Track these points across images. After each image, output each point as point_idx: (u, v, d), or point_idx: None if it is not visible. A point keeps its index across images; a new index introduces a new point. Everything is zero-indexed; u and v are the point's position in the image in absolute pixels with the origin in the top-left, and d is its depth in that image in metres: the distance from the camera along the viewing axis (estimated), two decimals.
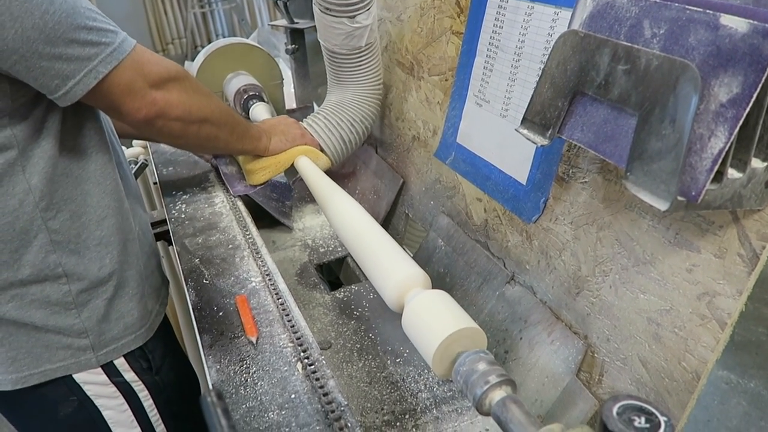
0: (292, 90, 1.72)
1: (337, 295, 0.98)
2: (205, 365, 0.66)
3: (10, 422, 0.87)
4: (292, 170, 1.05)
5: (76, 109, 0.72)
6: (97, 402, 0.83)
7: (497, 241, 0.86)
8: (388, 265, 0.69)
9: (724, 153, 0.43)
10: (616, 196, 0.65)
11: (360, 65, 1.05)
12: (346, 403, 0.59)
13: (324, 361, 0.64)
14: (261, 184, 1.06)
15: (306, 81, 1.47)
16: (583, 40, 0.53)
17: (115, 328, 0.81)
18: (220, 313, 0.74)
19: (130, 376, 0.84)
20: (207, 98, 0.85)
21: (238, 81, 1.34)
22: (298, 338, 0.68)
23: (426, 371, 0.81)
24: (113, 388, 0.83)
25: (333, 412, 0.58)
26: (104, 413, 0.83)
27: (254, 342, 0.68)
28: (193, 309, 0.75)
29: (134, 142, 1.53)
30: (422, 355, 0.60)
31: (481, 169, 0.89)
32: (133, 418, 0.86)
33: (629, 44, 0.49)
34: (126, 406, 0.85)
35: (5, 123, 0.66)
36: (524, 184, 0.80)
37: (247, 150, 1.00)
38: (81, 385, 0.81)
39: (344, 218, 0.80)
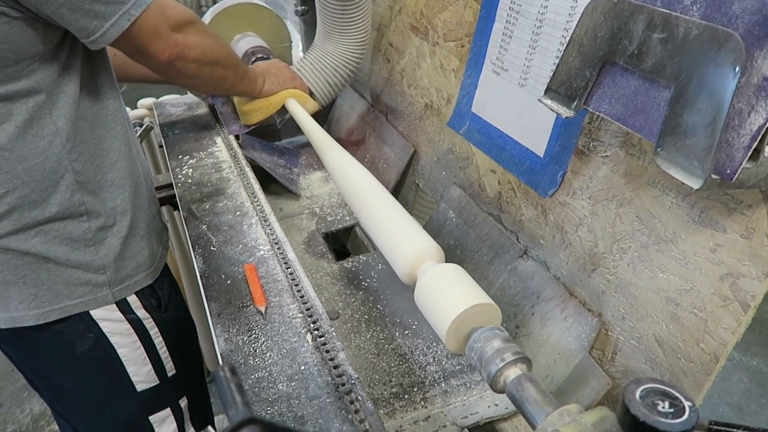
0: (300, 53, 1.68)
1: (345, 264, 0.97)
2: (213, 334, 0.65)
3: (26, 362, 0.92)
4: (281, 111, 1.12)
5: (92, 56, 0.78)
6: (113, 339, 0.88)
7: (510, 214, 0.84)
8: (400, 237, 0.68)
9: (764, 130, 0.41)
10: (638, 171, 0.63)
11: (345, 16, 1.07)
12: (356, 376, 0.58)
13: (334, 333, 0.63)
14: (254, 125, 1.14)
15: None
16: (615, 6, 0.50)
17: (129, 265, 0.86)
18: (228, 282, 0.73)
19: (141, 313, 0.90)
20: (217, 41, 0.91)
21: (246, 42, 1.30)
22: (307, 309, 0.67)
23: (435, 344, 0.81)
24: (127, 325, 0.89)
25: (344, 385, 0.57)
26: (119, 351, 0.89)
27: (263, 312, 0.67)
28: (201, 276, 0.74)
29: (139, 103, 1.51)
30: (435, 330, 0.59)
31: (496, 140, 0.86)
32: (145, 355, 0.92)
33: (667, 11, 0.46)
34: (138, 343, 0.91)
35: (35, 68, 0.70)
36: (541, 156, 0.78)
37: (246, 91, 1.06)
38: (97, 321, 0.85)
39: (349, 182, 0.79)
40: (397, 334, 0.83)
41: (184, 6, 0.85)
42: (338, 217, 1.10)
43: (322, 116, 1.42)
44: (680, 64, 0.45)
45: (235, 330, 0.65)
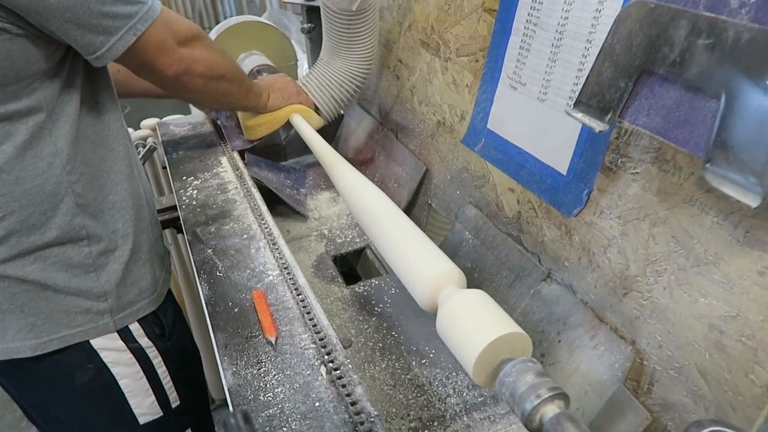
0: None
1: (357, 289, 0.93)
2: (220, 367, 0.60)
3: (24, 394, 0.88)
4: (286, 127, 1.09)
5: (94, 73, 0.76)
6: (114, 370, 0.83)
7: (531, 235, 0.80)
8: (419, 260, 0.64)
9: None
10: (673, 189, 0.59)
11: (351, 30, 1.04)
12: (376, 413, 0.53)
13: (350, 365, 0.59)
14: (258, 140, 1.11)
15: None
16: (653, 11, 0.47)
17: (131, 292, 0.83)
18: (236, 309, 0.69)
19: (144, 341, 0.86)
20: (223, 55, 0.89)
21: (251, 61, 1.28)
22: (321, 339, 0.63)
23: (454, 374, 0.76)
24: (129, 354, 0.84)
25: (362, 423, 0.52)
26: (120, 382, 0.84)
27: (273, 342, 0.63)
28: (206, 304, 0.70)
29: (142, 123, 1.48)
30: (461, 362, 0.55)
31: (515, 157, 0.82)
32: (148, 386, 0.88)
33: (712, 15, 0.42)
34: (141, 373, 0.87)
35: (37, 86, 0.68)
36: (564, 174, 0.74)
37: (251, 106, 1.03)
38: (98, 351, 0.81)
39: (361, 202, 0.75)
40: (413, 363, 0.78)
41: (190, 21, 0.83)
42: (348, 239, 1.06)
43: (329, 135, 1.39)
44: (731, 71, 0.41)
45: (243, 362, 0.61)
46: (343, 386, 0.56)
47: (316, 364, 0.60)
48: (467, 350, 0.53)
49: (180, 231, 1.21)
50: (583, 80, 0.70)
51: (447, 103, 0.98)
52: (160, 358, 0.88)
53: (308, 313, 0.67)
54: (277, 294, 0.71)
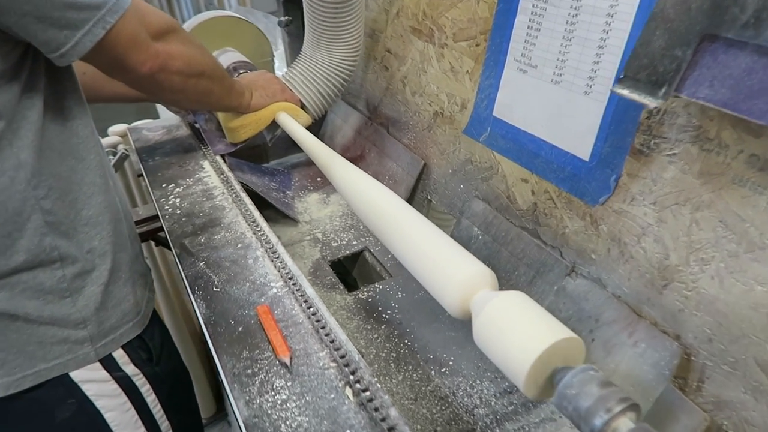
0: (280, 69, 1.58)
1: (360, 295, 0.86)
2: (230, 396, 0.53)
3: None
4: (271, 127, 1.02)
5: (58, 74, 0.67)
6: (98, 403, 0.75)
7: (550, 227, 0.75)
8: (445, 263, 0.58)
9: None
10: (719, 169, 0.54)
11: (337, 20, 0.97)
12: None
13: (379, 385, 0.52)
14: (242, 142, 1.03)
15: None
16: None
17: (113, 316, 0.75)
18: (240, 328, 0.62)
19: (130, 369, 0.78)
20: (201, 50, 0.82)
21: (226, 58, 1.19)
22: (342, 357, 0.56)
23: (479, 382, 0.70)
24: (114, 385, 0.76)
25: None
26: (106, 416, 0.76)
27: (288, 363, 0.56)
28: (205, 324, 0.63)
29: (110, 130, 1.38)
30: (508, 375, 0.49)
31: (527, 145, 0.77)
32: (137, 417, 0.80)
33: None
34: (129, 404, 0.78)
35: None
36: (587, 160, 0.69)
37: (233, 106, 0.95)
38: (79, 384, 0.73)
39: (370, 203, 0.68)
40: (432, 372, 0.72)
41: (164, 12, 0.75)
42: (344, 242, 0.99)
43: (313, 134, 1.31)
44: None
45: (256, 389, 0.54)
46: (376, 409, 0.50)
47: (340, 385, 0.53)
48: (516, 361, 0.47)
49: (159, 243, 1.12)
50: (604, 58, 0.66)
51: (445, 92, 0.92)
52: (148, 386, 0.80)
53: (323, 327, 0.60)
54: (284, 308, 0.64)
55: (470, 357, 0.74)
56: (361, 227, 1.01)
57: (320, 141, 0.83)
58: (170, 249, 1.32)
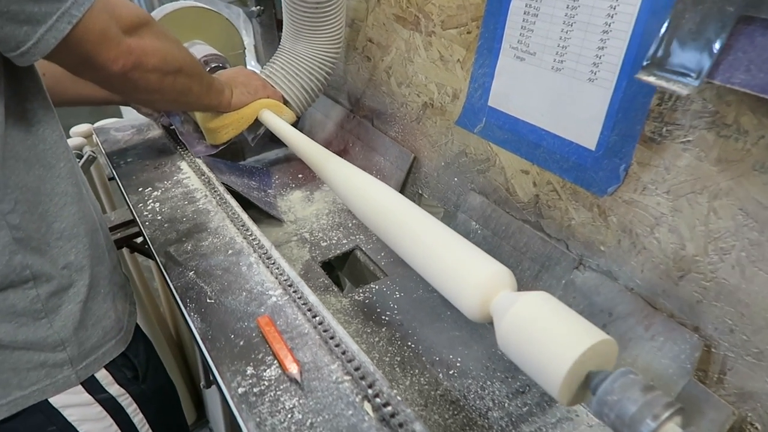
0: (253, 61, 1.52)
1: (356, 297, 0.82)
2: (238, 418, 0.49)
3: None
4: (254, 126, 0.96)
5: (18, 75, 0.60)
6: (81, 428, 0.70)
7: (555, 219, 0.73)
8: (460, 264, 0.55)
9: None
10: (737, 155, 0.52)
11: (318, 11, 0.93)
12: None
13: (399, 398, 0.49)
14: (224, 144, 0.97)
15: (274, 49, 1.27)
16: None
17: (94, 334, 0.70)
18: (241, 343, 0.57)
19: (115, 389, 0.73)
20: (177, 45, 0.76)
21: (196, 51, 1.13)
22: (356, 369, 0.52)
23: (489, 383, 0.68)
24: (98, 408, 0.71)
25: None
26: None
27: (298, 379, 0.52)
28: (201, 339, 0.58)
29: (72, 131, 1.30)
30: (539, 382, 0.46)
31: (527, 135, 0.74)
32: None
33: None
34: (114, 426, 0.73)
35: None
36: (593, 149, 0.66)
37: (212, 105, 0.89)
38: (60, 410, 0.68)
39: (372, 202, 0.65)
40: (440, 375, 0.69)
41: (135, 4, 0.69)
42: (333, 242, 0.95)
43: None
44: None
45: (266, 410, 0.50)
46: (401, 425, 0.47)
47: (357, 400, 0.50)
48: (550, 368, 0.44)
49: (135, 250, 1.06)
50: (610, 44, 0.64)
51: (434, 82, 0.89)
52: (135, 405, 0.75)
53: (332, 338, 0.56)
54: (287, 318, 0.60)
55: (478, 357, 0.71)
56: (350, 225, 0.97)
57: (310, 139, 0.79)
58: (150, 257, 1.26)
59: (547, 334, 0.46)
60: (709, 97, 0.54)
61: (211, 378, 1.33)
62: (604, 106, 0.64)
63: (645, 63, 0.46)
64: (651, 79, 0.45)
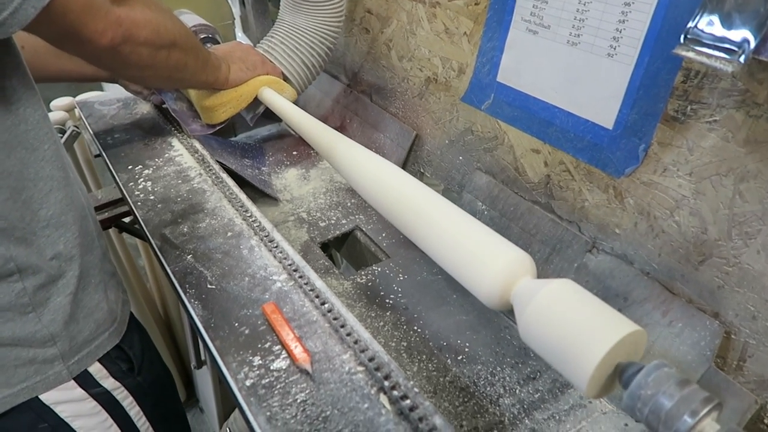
0: (240, 32, 1.46)
1: (359, 279, 0.80)
2: (248, 412, 0.47)
3: None
4: (252, 104, 0.91)
5: None
6: (75, 424, 0.67)
7: (567, 201, 0.70)
8: (478, 249, 0.52)
9: None
10: (767, 137, 0.50)
11: None
12: None
13: (416, 389, 0.47)
14: (221, 123, 0.92)
15: (266, 19, 1.22)
16: None
17: (86, 327, 0.66)
18: (246, 331, 0.55)
19: (109, 383, 0.69)
20: (170, 16, 0.70)
21: (184, 21, 1.07)
22: (370, 359, 0.50)
23: (499, 369, 0.66)
24: (92, 403, 0.68)
25: None
26: None
27: (309, 370, 0.49)
28: (204, 328, 0.55)
29: (53, 104, 1.24)
30: (566, 375, 0.44)
31: (538, 112, 0.72)
32: None
33: None
34: (110, 421, 0.70)
35: None
36: (610, 128, 0.64)
37: (208, 81, 0.83)
38: (52, 407, 0.64)
39: (385, 186, 0.62)
40: (449, 362, 0.67)
41: None
42: (332, 222, 0.92)
43: None
44: None
45: (277, 402, 0.47)
46: (420, 419, 0.44)
47: (373, 392, 0.48)
48: (579, 360, 0.42)
49: (123, 230, 1.02)
50: (631, 17, 0.61)
51: (438, 56, 0.85)
52: (131, 398, 0.72)
53: (343, 326, 0.53)
54: (294, 305, 0.57)
55: (486, 342, 0.70)
56: (349, 204, 0.94)
57: (315, 119, 0.75)
58: (141, 238, 1.21)
59: (576, 325, 0.43)
60: (739, 75, 0.51)
61: (203, 359, 1.31)
62: (623, 82, 0.62)
63: (684, 37, 0.43)
64: (690, 54, 0.43)
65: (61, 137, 1.12)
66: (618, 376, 0.43)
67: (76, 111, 1.06)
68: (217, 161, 0.87)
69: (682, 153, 0.57)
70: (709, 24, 0.42)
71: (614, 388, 0.44)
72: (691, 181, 0.57)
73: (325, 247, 0.90)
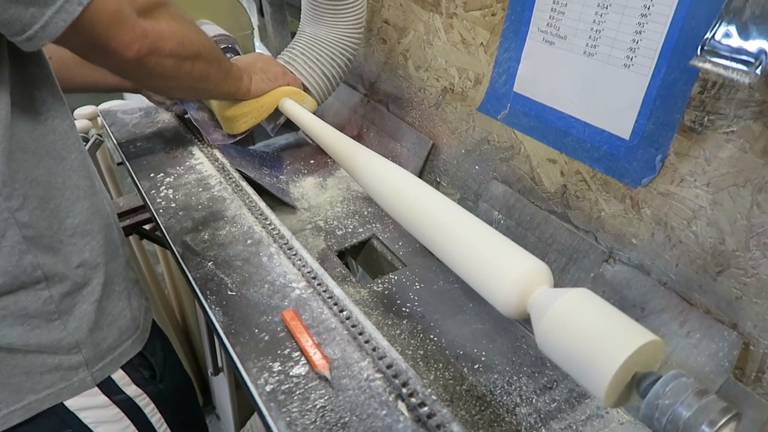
0: (258, 42, 1.48)
1: (375, 287, 0.80)
2: (268, 419, 0.47)
3: None
4: (273, 115, 0.92)
5: (24, 61, 0.56)
6: (98, 430, 0.68)
7: (583, 210, 0.70)
8: (496, 258, 0.53)
9: None
10: None
11: None
12: None
13: (434, 397, 0.47)
14: (242, 133, 0.92)
15: (284, 29, 1.24)
16: None
17: (109, 335, 0.67)
18: (266, 338, 0.55)
19: (132, 390, 0.71)
20: (195, 28, 0.71)
21: (205, 32, 1.10)
22: (388, 366, 0.51)
23: (516, 378, 0.66)
24: (115, 410, 0.69)
25: None
26: None
27: (328, 377, 0.50)
28: (225, 333, 0.56)
29: (77, 112, 1.26)
30: (583, 383, 0.44)
31: (555, 122, 0.72)
32: None
33: None
34: (132, 427, 0.72)
35: None
36: (626, 138, 0.64)
37: (231, 92, 0.84)
38: (76, 413, 0.66)
39: (405, 197, 0.62)
40: (465, 370, 0.68)
41: None
42: (349, 230, 0.93)
43: None
44: None
45: (296, 408, 0.48)
46: (438, 427, 0.45)
47: (391, 399, 0.48)
48: (596, 368, 0.43)
49: (144, 237, 1.04)
50: (648, 28, 0.61)
51: (455, 66, 0.86)
52: (152, 405, 0.73)
53: (361, 334, 0.54)
54: (312, 312, 0.58)
55: (502, 351, 0.70)
56: (366, 213, 0.95)
57: (335, 129, 0.76)
58: (162, 245, 1.23)
59: (593, 333, 0.44)
60: (756, 86, 0.51)
61: (220, 365, 1.32)
62: (640, 93, 0.62)
63: (700, 48, 0.44)
64: (707, 66, 0.43)
65: (85, 145, 1.15)
66: (636, 385, 0.43)
67: (99, 119, 1.08)
68: (237, 169, 0.88)
69: (700, 163, 0.57)
70: (726, 35, 0.42)
71: (632, 398, 0.44)
72: (709, 191, 0.57)
73: (342, 255, 0.91)
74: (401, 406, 0.47)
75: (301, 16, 0.95)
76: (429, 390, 0.48)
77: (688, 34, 0.56)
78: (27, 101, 0.57)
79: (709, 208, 0.57)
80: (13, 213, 0.55)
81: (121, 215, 0.98)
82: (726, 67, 0.42)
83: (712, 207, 0.57)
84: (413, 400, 0.48)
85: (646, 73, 0.61)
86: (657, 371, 0.43)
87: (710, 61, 0.43)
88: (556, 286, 0.69)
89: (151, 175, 0.85)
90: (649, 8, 0.59)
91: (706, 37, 0.43)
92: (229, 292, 0.62)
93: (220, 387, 1.44)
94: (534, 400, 0.64)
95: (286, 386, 0.50)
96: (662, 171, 0.61)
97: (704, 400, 0.39)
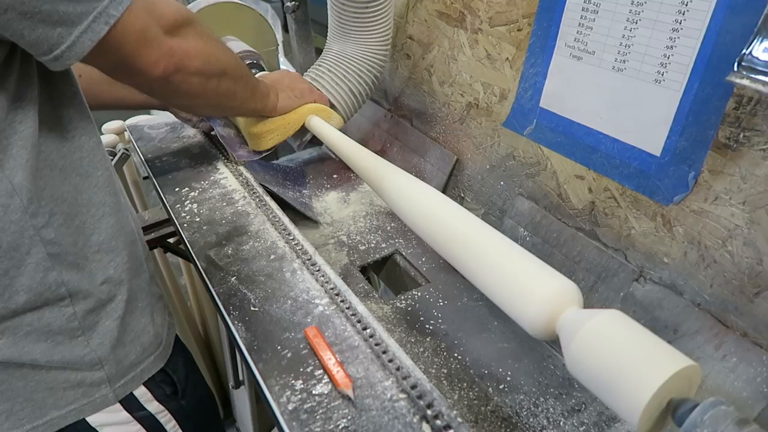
0: (282, 57, 1.49)
1: (398, 304, 0.79)
2: None
3: None
4: (299, 132, 0.92)
5: (52, 79, 0.57)
6: None
7: (612, 228, 0.69)
8: (525, 278, 0.51)
9: None
10: None
11: (368, 9, 0.89)
12: None
13: (459, 419, 0.46)
14: (268, 150, 0.92)
15: (308, 45, 1.25)
16: None
17: (132, 351, 0.67)
18: (288, 354, 0.55)
19: (154, 406, 0.71)
20: (220, 45, 0.71)
21: (230, 48, 1.11)
22: (412, 387, 0.49)
23: (542, 399, 0.64)
24: (136, 426, 0.69)
25: None
26: None
27: (351, 396, 0.49)
28: (247, 350, 0.56)
29: (104, 127, 1.29)
30: (616, 408, 0.43)
31: (582, 138, 0.71)
32: None
33: None
34: None
35: None
36: (657, 155, 0.63)
37: (257, 109, 0.84)
38: (98, 429, 0.66)
39: (432, 216, 0.61)
40: (490, 390, 0.66)
41: (176, 1, 0.64)
42: (372, 245, 0.92)
43: None
44: None
45: (318, 428, 0.47)
46: None
47: (415, 421, 0.47)
48: (629, 393, 0.41)
49: (168, 250, 1.05)
50: (680, 42, 0.60)
51: (480, 82, 0.86)
52: (174, 422, 0.73)
53: (385, 352, 0.53)
54: (335, 329, 0.57)
55: (528, 371, 0.68)
56: (389, 228, 0.94)
57: (363, 147, 0.75)
58: (186, 259, 1.24)
59: (627, 357, 0.42)
60: None
61: (241, 379, 1.31)
62: (672, 109, 0.60)
63: (737, 64, 0.42)
64: (745, 82, 0.42)
65: (112, 159, 1.17)
66: (671, 412, 0.41)
67: (126, 134, 1.10)
68: (261, 184, 0.88)
69: (735, 181, 0.56)
70: (765, 51, 0.41)
71: (666, 425, 0.43)
72: (745, 210, 0.55)
73: (364, 270, 0.90)
74: (426, 428, 0.46)
75: (328, 33, 0.96)
76: (455, 412, 0.47)
77: (722, 49, 0.55)
78: (54, 119, 0.57)
79: (745, 227, 0.55)
80: (38, 230, 0.55)
81: (146, 228, 0.99)
82: (765, 83, 0.41)
83: (749, 226, 0.55)
84: (438, 422, 0.46)
85: (678, 88, 0.60)
86: (693, 397, 0.41)
87: (748, 77, 0.42)
88: (584, 306, 0.68)
89: (176, 189, 0.86)
90: (680, 23, 0.58)
91: (743, 52, 0.42)
92: (252, 308, 0.61)
93: (241, 400, 1.44)
94: (562, 423, 0.62)
95: (309, 405, 0.49)
96: (695, 188, 0.59)
97: (745, 430, 0.37)
